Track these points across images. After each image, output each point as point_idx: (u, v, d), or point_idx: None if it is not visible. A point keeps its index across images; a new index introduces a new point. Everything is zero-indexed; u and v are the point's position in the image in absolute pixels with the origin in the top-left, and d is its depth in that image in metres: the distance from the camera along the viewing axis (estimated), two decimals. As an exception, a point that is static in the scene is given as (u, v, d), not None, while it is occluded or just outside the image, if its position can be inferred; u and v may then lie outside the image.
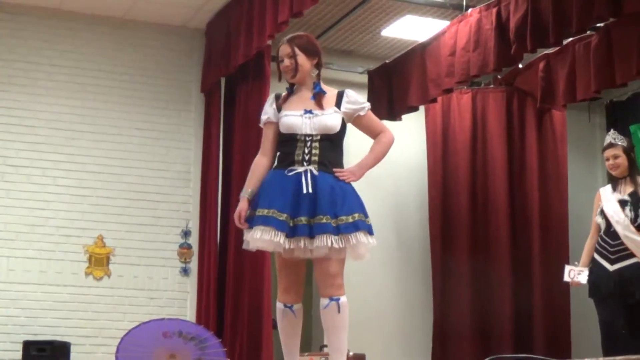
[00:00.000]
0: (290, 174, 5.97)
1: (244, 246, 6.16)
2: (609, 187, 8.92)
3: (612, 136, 9.00)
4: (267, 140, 6.23)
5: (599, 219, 8.79)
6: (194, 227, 12.45)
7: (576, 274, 8.78)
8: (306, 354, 11.06)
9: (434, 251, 13.30)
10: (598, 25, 10.45)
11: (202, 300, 12.10)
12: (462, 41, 10.97)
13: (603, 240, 8.71)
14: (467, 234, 13.16)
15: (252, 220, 5.94)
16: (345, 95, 6.26)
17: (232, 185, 12.16)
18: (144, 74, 12.57)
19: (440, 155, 13.40)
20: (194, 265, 12.37)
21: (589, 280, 8.76)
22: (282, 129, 6.10)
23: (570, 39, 10.91)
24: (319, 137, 6.03)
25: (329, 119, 6.08)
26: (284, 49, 6.16)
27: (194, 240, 12.42)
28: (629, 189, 8.76)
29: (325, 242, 5.83)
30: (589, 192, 9.76)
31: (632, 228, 8.54)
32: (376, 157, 6.33)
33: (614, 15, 9.62)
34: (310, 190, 5.92)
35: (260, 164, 6.17)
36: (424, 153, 13.46)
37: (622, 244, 8.55)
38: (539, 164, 13.41)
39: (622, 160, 8.74)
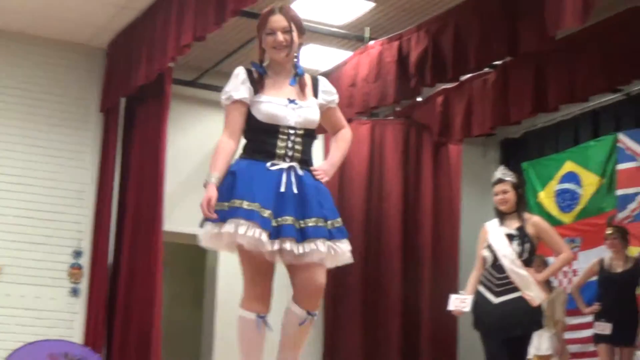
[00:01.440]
0: (272, 168, 5.42)
1: (204, 243, 5.59)
2: (495, 221, 9.13)
3: (501, 172, 9.21)
4: (237, 123, 5.55)
5: (486, 253, 8.94)
6: (86, 247, 12.31)
7: (460, 302, 8.96)
8: None
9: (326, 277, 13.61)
10: (495, 63, 11.06)
11: (90, 322, 12.06)
12: (363, 72, 11.25)
13: (489, 273, 8.91)
14: (359, 263, 12.90)
15: (222, 212, 5.36)
16: (320, 83, 5.83)
17: (127, 206, 12.32)
18: (42, 90, 12.48)
19: (337, 183, 13.43)
20: (84, 286, 12.23)
21: (473, 312, 8.96)
22: (261, 117, 5.49)
23: (469, 75, 11.30)
24: (302, 132, 5.53)
25: (313, 112, 5.62)
26: (279, 21, 5.55)
27: (85, 260, 12.28)
28: (516, 224, 8.94)
29: (321, 247, 5.40)
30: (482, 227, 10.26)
31: (519, 262, 8.75)
32: (343, 155, 5.94)
33: (511, 54, 10.15)
34: (295, 190, 5.44)
35: (230, 148, 5.52)
36: None
37: (507, 277, 8.76)
38: (433, 197, 13.78)
39: (511, 195, 8.94)
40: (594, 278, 11.56)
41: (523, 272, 8.85)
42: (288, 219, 5.32)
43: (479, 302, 8.97)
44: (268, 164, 5.39)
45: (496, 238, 9.03)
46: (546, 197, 14.29)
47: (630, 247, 11.51)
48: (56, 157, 12.49)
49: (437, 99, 12.61)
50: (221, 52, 12.74)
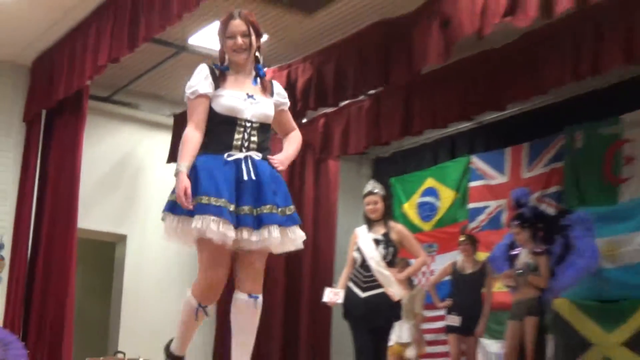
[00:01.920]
0: (229, 159, 5.15)
1: (169, 237, 5.33)
2: (364, 227, 9.20)
3: (372, 185, 9.32)
4: (201, 115, 5.24)
5: (356, 254, 9.04)
6: (7, 241, 12.09)
7: (333, 295, 9.04)
8: (101, 358, 11.18)
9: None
10: (370, 92, 11.25)
11: (9, 307, 11.84)
12: None
13: (358, 272, 8.99)
14: None
15: (180, 207, 5.11)
16: (275, 86, 5.59)
17: (45, 206, 12.18)
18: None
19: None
20: (4, 275, 11.98)
21: (344, 304, 9.06)
22: (220, 109, 5.25)
23: (347, 101, 11.44)
24: (258, 125, 5.25)
25: (269, 108, 5.38)
26: (239, 26, 5.34)
27: (6, 252, 12.05)
28: (382, 230, 9.05)
29: (273, 233, 5.16)
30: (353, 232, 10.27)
31: (383, 263, 8.86)
32: (296, 150, 5.67)
33: (383, 84, 10.29)
34: (253, 177, 5.15)
35: (196, 139, 5.21)
36: None
37: (373, 276, 8.86)
38: (314, 205, 13.82)
39: (380, 206, 9.06)
40: (448, 278, 11.81)
41: (386, 272, 8.95)
42: (245, 209, 5.10)
43: (349, 296, 9.06)
44: (225, 155, 5.16)
45: (365, 242, 9.11)
46: (409, 208, 14.52)
47: (479, 252, 11.79)
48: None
49: (319, 121, 12.70)
50: (133, 73, 12.66)
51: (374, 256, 8.99)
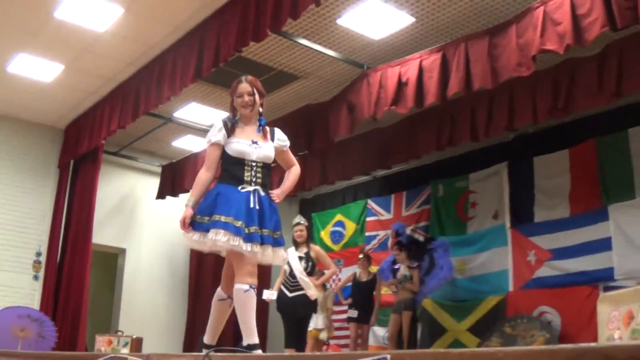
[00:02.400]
0: (242, 190, 4.89)
1: (191, 245, 5.07)
2: (292, 248, 9.20)
3: (299, 218, 9.42)
4: (213, 159, 5.04)
5: (286, 267, 9.06)
6: (44, 250, 12.07)
7: (269, 294, 9.02)
8: (106, 334, 11.10)
9: (190, 277, 13.60)
10: (299, 154, 11.29)
11: (44, 297, 11.84)
12: None
13: (287, 279, 9.04)
14: (211, 271, 13.24)
15: (200, 225, 4.89)
16: (276, 132, 5.30)
17: (70, 226, 12.15)
18: (26, 157, 12.38)
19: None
20: (41, 274, 11.99)
21: (277, 302, 9.09)
22: (232, 153, 4.99)
23: None
24: (261, 164, 4.99)
25: (270, 151, 5.10)
26: (246, 87, 5.12)
27: (43, 258, 12.05)
28: (305, 250, 9.11)
29: (270, 251, 4.91)
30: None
31: (304, 273, 8.96)
32: (292, 184, 5.37)
33: (307, 149, 10.15)
34: (258, 207, 4.88)
35: (206, 179, 5.03)
36: None
37: (297, 282, 8.94)
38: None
39: (304, 233, 9.14)
40: (350, 283, 11.84)
41: (307, 279, 9.00)
42: (255, 229, 4.82)
43: (280, 295, 9.09)
44: (239, 187, 4.90)
45: (292, 258, 9.12)
46: (325, 234, 14.58)
47: (372, 266, 11.85)
48: (30, 195, 12.29)
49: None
50: (134, 136, 12.60)
51: (299, 268, 9.04)
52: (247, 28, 7.70)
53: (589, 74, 7.81)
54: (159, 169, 13.24)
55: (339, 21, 8.63)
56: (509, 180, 11.48)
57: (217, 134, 5.04)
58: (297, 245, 9.30)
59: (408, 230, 12.29)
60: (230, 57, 8.49)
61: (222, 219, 4.77)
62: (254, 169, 4.97)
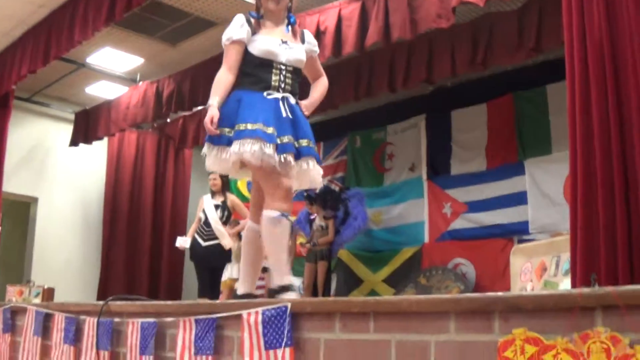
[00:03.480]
0: (269, 97, 4.24)
1: (211, 166, 4.29)
2: (208, 195, 9.29)
3: None
4: (235, 59, 4.31)
5: (202, 214, 9.13)
6: None
7: (182, 242, 9.14)
8: (17, 284, 10.94)
9: (104, 226, 13.34)
10: None
11: None
12: (134, 101, 11.13)
13: (201, 227, 9.09)
14: (126, 225, 13.32)
15: (220, 138, 4.16)
16: (306, 34, 4.66)
17: None
18: None
19: (114, 169, 13.45)
20: None
21: (190, 250, 9.16)
22: (257, 52, 4.32)
23: (199, 107, 11.11)
24: (291, 69, 4.35)
25: (301, 53, 4.46)
26: None
27: None
28: (221, 198, 9.19)
29: (310, 165, 4.25)
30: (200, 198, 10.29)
31: (220, 222, 9.04)
32: (321, 96, 4.68)
33: None
34: (290, 116, 4.24)
35: (228, 80, 4.28)
36: (105, 165, 13.60)
37: (212, 231, 9.01)
38: (174, 181, 13.84)
39: (219, 181, 9.17)
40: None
41: (221, 228, 9.08)
42: (289, 138, 4.16)
43: (194, 244, 9.14)
44: (264, 93, 4.25)
45: (208, 206, 9.16)
46: (242, 184, 14.39)
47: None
48: None
49: (179, 121, 12.55)
50: (46, 81, 12.27)
51: (214, 217, 9.07)
52: (162, -30, 7.52)
53: (509, 28, 7.89)
54: (72, 116, 12.96)
55: (258, -34, 8.46)
56: (426, 132, 11.57)
57: (240, 30, 4.36)
58: (212, 194, 9.31)
59: (325, 181, 12.30)
60: (145, 0, 8.28)
61: (249, 126, 4.10)
62: (283, 72, 4.34)
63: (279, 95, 4.27)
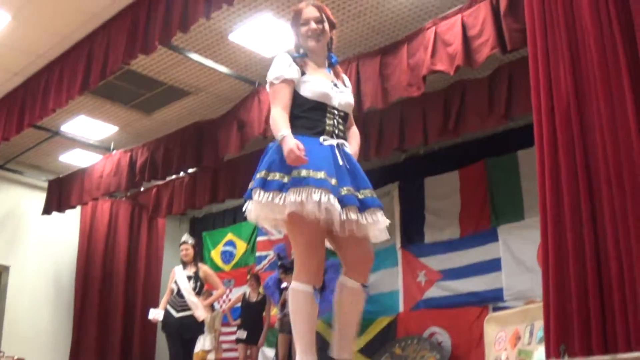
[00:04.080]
0: (325, 143, 3.80)
1: (254, 214, 3.80)
2: (180, 267, 9.22)
3: (185, 237, 9.42)
4: (288, 98, 3.88)
5: (174, 285, 9.05)
6: None
7: (155, 314, 9.01)
8: None
9: (76, 296, 13.09)
10: (189, 171, 11.20)
11: None
12: (108, 169, 11.03)
13: (174, 298, 8.99)
14: (97, 289, 13.05)
15: (271, 183, 3.68)
16: (345, 79, 4.23)
17: None
18: None
19: (87, 237, 13.26)
20: None
21: (162, 321, 9.05)
22: (310, 95, 3.89)
23: (172, 176, 11.32)
24: (343, 114, 3.97)
25: (351, 98, 4.10)
26: (313, 12, 4.05)
27: None
28: (193, 269, 9.12)
29: (380, 218, 3.77)
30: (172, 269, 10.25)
31: (193, 293, 8.96)
32: (359, 148, 4.18)
33: (197, 166, 10.29)
34: (347, 165, 3.79)
35: (286, 116, 3.84)
36: (77, 234, 13.43)
37: (185, 302, 8.92)
38: (147, 251, 13.67)
39: (191, 251, 9.15)
40: (239, 304, 11.65)
41: (195, 299, 9.00)
42: (349, 189, 3.68)
43: (167, 315, 9.03)
44: (320, 139, 3.80)
45: (180, 277, 9.10)
46: (215, 254, 14.42)
47: (262, 287, 11.71)
48: None
49: (152, 190, 12.49)
50: (19, 149, 12.11)
51: (187, 288, 9.00)
52: (136, 40, 7.55)
53: (479, 95, 7.99)
54: (46, 184, 12.87)
55: (231, 37, 8.55)
56: (399, 201, 11.57)
57: (289, 70, 3.94)
58: (184, 264, 9.25)
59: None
60: (119, 69, 8.34)
61: (311, 173, 3.61)
62: (336, 117, 3.94)
63: (334, 141, 3.86)
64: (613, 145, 3.74)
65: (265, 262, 13.38)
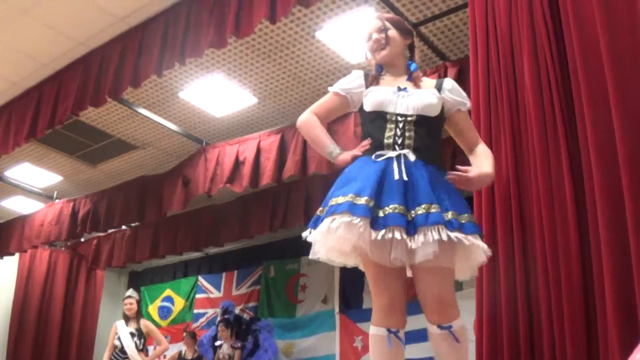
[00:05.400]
0: (378, 159, 3.21)
1: (320, 253, 3.36)
2: (122, 321, 9.06)
3: (131, 291, 9.29)
4: (326, 105, 3.57)
5: (117, 342, 8.83)
6: None
7: None
8: None
9: (9, 344, 12.76)
10: (131, 224, 11.11)
11: None
12: (49, 218, 10.87)
13: (117, 354, 8.79)
14: (31, 338, 12.64)
15: (316, 220, 3.25)
16: (445, 82, 3.54)
17: None
18: None
19: (24, 285, 12.98)
20: None
21: None
22: (369, 107, 3.40)
23: (113, 229, 11.19)
24: (414, 118, 3.31)
25: (428, 97, 3.40)
26: (373, 24, 3.60)
27: None
28: (136, 325, 8.97)
29: (433, 235, 2.98)
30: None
31: (135, 350, 8.78)
32: (493, 168, 3.40)
33: (139, 221, 10.14)
34: (405, 178, 3.12)
35: (316, 120, 3.53)
36: (14, 281, 13.12)
37: (128, 358, 8.72)
38: (83, 303, 13.34)
39: (135, 306, 9.04)
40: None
41: (137, 356, 8.84)
42: (396, 208, 3.03)
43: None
44: (373, 156, 3.23)
45: (123, 333, 8.93)
46: (153, 309, 14.25)
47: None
48: None
49: (93, 241, 12.36)
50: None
51: (130, 345, 8.85)
52: (86, 91, 7.49)
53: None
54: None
55: (181, 94, 8.55)
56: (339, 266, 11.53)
57: (349, 83, 3.58)
58: (126, 319, 9.13)
59: (237, 310, 12.13)
60: (67, 119, 8.24)
61: (340, 200, 3.13)
62: (401, 125, 3.33)
63: (393, 153, 3.24)
64: (549, 220, 3.76)
65: (203, 319, 13.27)
